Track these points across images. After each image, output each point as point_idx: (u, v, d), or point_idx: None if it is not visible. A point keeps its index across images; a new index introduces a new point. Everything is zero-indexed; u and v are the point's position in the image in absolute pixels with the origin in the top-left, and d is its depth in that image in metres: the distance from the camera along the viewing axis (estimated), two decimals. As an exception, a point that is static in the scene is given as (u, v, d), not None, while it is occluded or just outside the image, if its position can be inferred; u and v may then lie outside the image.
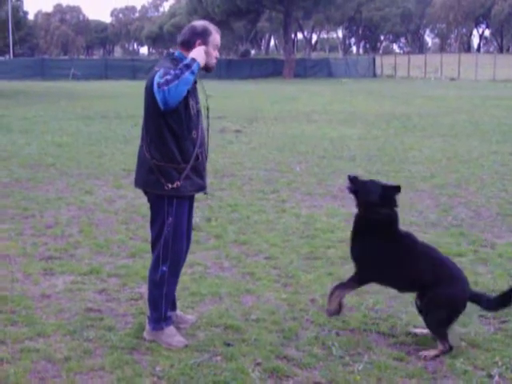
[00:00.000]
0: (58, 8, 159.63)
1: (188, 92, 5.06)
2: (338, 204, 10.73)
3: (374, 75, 77.51)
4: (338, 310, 5.62)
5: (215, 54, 5.35)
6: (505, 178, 12.96)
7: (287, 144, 17.91)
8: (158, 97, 4.93)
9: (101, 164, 14.34)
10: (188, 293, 6.60)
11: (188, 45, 5.29)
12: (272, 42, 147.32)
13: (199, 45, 5.24)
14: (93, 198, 11.00)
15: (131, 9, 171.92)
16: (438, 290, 5.31)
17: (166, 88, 4.86)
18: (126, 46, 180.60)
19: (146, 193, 5.46)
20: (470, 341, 5.56)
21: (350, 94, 41.08)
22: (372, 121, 24.38)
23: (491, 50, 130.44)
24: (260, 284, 6.95)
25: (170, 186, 5.21)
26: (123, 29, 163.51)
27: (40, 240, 8.51)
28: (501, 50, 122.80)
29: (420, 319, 5.62)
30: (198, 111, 5.38)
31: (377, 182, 5.62)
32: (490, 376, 4.97)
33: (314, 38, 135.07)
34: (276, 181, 12.69)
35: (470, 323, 5.87)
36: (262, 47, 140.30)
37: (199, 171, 5.38)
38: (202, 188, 5.48)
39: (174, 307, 5.77)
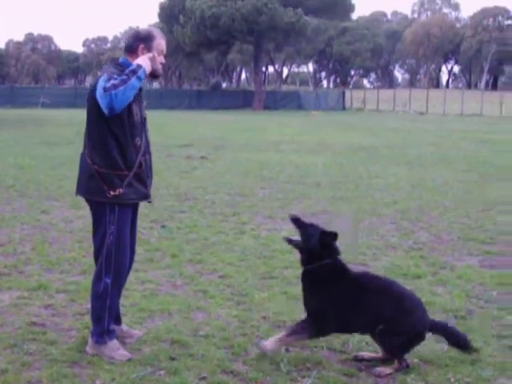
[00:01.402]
0: (30, 37, 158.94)
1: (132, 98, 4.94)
2: (298, 227, 10.55)
3: (344, 108, 77.96)
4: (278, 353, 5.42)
5: (160, 59, 5.24)
6: (468, 205, 12.91)
7: (252, 170, 17.82)
8: (104, 101, 4.80)
9: (61, 186, 14.11)
10: (137, 309, 6.44)
11: (131, 49, 5.20)
12: (243, 76, 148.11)
13: (142, 49, 5.16)
14: (49, 218, 10.80)
15: (103, 39, 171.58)
16: (397, 319, 5.15)
17: (112, 92, 4.75)
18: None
19: (87, 201, 5.32)
20: (422, 357, 5.43)
21: (319, 126, 41.16)
22: (339, 151, 24.33)
23: (460, 86, 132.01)
24: (212, 301, 6.79)
25: (111, 193, 5.06)
26: (95, 59, 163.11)
27: (-10, 257, 8.28)
28: (469, 86, 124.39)
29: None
30: (143, 118, 5.26)
31: (316, 226, 5.38)
32: (442, 393, 4.84)
33: (285, 71, 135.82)
34: (238, 204, 12.54)
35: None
36: (234, 80, 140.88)
37: (143, 179, 5.25)
38: (145, 196, 5.35)
39: (118, 321, 5.59)
